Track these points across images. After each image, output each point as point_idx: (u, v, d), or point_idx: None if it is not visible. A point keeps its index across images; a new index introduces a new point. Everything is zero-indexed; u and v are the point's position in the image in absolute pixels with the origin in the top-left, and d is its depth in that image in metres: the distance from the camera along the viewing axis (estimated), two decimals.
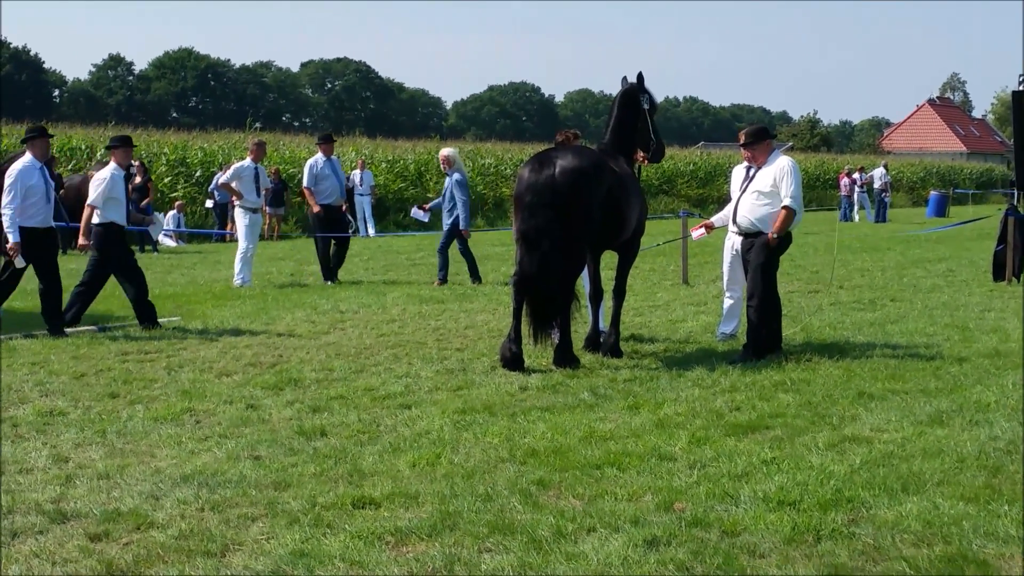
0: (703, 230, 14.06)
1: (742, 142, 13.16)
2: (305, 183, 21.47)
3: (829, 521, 6.81)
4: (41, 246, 14.25)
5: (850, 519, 6.89)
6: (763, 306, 12.49)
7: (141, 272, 14.98)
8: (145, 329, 14.46)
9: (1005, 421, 9.35)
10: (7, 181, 13.99)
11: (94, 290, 15.08)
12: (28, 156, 14.28)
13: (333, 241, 21.12)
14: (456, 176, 20.41)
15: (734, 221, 13.07)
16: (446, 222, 20.63)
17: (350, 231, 22.06)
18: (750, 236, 12.72)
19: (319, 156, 21.32)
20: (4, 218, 13.93)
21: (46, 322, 14.22)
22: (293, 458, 8.38)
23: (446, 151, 21.14)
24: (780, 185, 12.50)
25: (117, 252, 14.98)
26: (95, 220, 14.83)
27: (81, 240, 15.16)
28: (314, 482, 7.74)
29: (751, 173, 12.99)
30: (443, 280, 20.44)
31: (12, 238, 13.89)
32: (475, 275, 20.73)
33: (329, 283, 20.37)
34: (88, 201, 14.88)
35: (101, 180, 14.77)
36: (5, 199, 13.92)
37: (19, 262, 14.01)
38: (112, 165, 15.09)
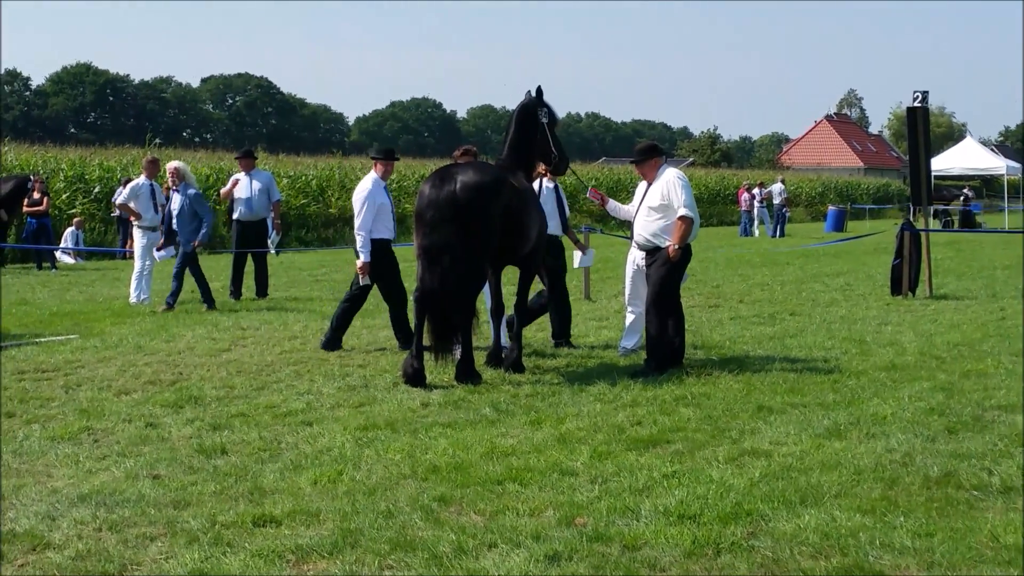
0: (601, 198, 13.79)
1: (631, 160, 13.30)
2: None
3: (729, 534, 6.87)
4: (388, 259, 14.40)
5: (749, 532, 6.95)
6: (663, 320, 12.58)
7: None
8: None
9: (901, 433, 9.47)
10: (358, 202, 14.09)
11: (526, 300, 14.29)
12: (373, 175, 14.44)
13: (251, 257, 20.81)
14: (192, 191, 19.03)
15: (633, 239, 13.18)
16: (185, 242, 18.88)
17: (271, 248, 21.53)
18: (650, 252, 12.81)
19: (242, 173, 21.27)
20: (357, 238, 13.95)
21: (398, 339, 14.51)
22: (193, 476, 8.31)
23: (175, 163, 19.42)
24: (671, 197, 12.59)
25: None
26: None
27: None
28: (214, 500, 7.67)
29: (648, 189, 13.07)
30: (170, 305, 18.61)
31: (363, 257, 13.97)
32: (209, 299, 19.03)
33: (233, 300, 20.13)
34: None
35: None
36: (357, 221, 13.98)
37: (365, 280, 14.15)
38: None
